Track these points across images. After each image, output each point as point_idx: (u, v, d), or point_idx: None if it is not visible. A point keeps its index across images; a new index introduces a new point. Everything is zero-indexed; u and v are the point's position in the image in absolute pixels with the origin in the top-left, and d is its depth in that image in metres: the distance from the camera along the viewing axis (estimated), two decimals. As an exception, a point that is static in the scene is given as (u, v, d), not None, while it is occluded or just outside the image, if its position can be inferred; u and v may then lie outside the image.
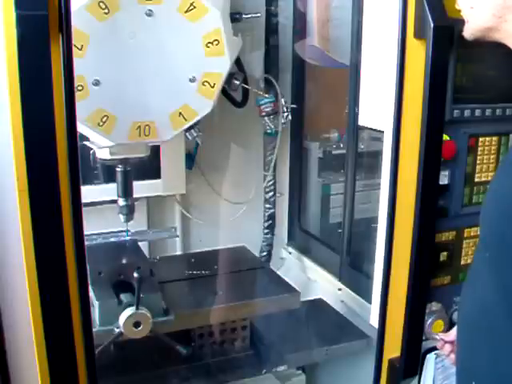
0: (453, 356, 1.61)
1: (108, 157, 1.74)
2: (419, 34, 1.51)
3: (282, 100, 2.28)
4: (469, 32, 1.36)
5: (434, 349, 1.76)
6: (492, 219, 1.24)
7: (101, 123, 1.57)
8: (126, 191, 1.85)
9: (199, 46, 1.61)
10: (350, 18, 2.03)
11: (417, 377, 1.77)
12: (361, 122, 1.81)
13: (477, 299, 1.30)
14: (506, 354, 1.20)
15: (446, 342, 1.63)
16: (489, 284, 1.24)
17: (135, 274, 1.62)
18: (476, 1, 1.31)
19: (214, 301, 1.94)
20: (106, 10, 1.49)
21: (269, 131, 2.34)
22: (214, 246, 2.36)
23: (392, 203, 1.60)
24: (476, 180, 1.72)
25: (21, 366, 1.35)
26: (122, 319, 1.61)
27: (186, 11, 1.57)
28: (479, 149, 1.70)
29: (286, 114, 2.29)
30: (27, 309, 1.30)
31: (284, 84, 2.40)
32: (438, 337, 1.68)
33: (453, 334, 1.62)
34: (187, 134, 1.80)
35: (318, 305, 2.30)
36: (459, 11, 1.38)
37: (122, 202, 1.85)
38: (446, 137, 1.62)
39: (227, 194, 2.45)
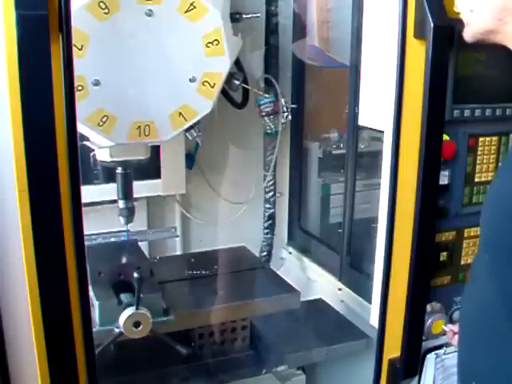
0: None
1: (108, 159, 1.74)
2: (419, 34, 1.51)
3: (282, 100, 2.28)
4: (469, 35, 1.36)
5: (434, 349, 1.77)
6: (492, 220, 1.23)
7: (101, 123, 1.57)
8: (127, 193, 1.85)
9: (199, 46, 1.61)
10: (350, 19, 2.03)
11: (417, 377, 1.77)
12: (361, 122, 1.81)
13: (477, 300, 1.31)
14: (506, 355, 1.20)
15: (455, 334, 1.62)
16: (489, 285, 1.24)
17: (135, 274, 1.62)
18: (476, 4, 1.30)
19: (214, 301, 1.94)
20: (106, 10, 1.49)
21: (269, 131, 2.34)
22: (213, 246, 2.36)
23: (392, 203, 1.60)
24: (476, 180, 1.72)
25: (21, 366, 1.35)
26: (122, 319, 1.61)
27: (186, 11, 1.57)
28: (479, 149, 1.70)
29: (285, 113, 2.29)
30: (27, 309, 1.30)
31: (284, 84, 2.40)
32: (446, 328, 1.67)
33: None
34: (187, 134, 1.80)
35: (318, 305, 2.30)
36: (458, 14, 1.38)
37: (122, 204, 1.85)
38: (445, 137, 1.62)
39: (227, 193, 2.45)
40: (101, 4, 1.48)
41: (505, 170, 1.30)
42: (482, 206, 1.32)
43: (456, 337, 1.62)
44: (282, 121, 2.30)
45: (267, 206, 2.49)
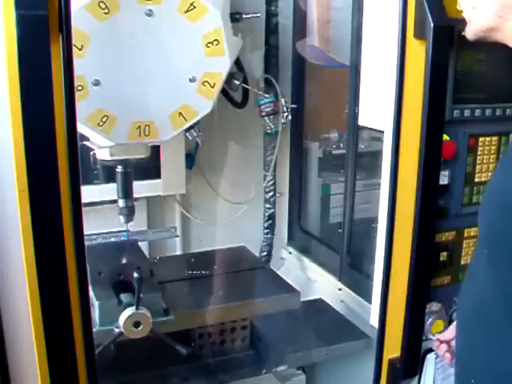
0: (448, 355, 1.62)
1: (108, 158, 1.74)
2: (419, 34, 1.51)
3: (282, 100, 2.28)
4: (471, 32, 1.36)
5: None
6: (490, 216, 1.24)
7: (101, 123, 1.57)
8: (127, 192, 1.85)
9: (199, 46, 1.61)
10: (350, 18, 2.03)
11: (417, 377, 1.77)
12: (361, 122, 1.81)
13: (476, 296, 1.31)
14: (505, 352, 1.20)
15: (441, 342, 1.64)
16: (487, 281, 1.24)
17: (135, 274, 1.62)
18: (478, 1, 1.31)
19: (214, 301, 1.94)
20: (106, 10, 1.49)
21: (269, 131, 2.34)
22: (213, 246, 2.36)
23: (392, 203, 1.60)
24: (476, 180, 1.72)
25: (21, 366, 1.35)
26: (122, 319, 1.61)
27: (186, 11, 1.57)
28: (479, 149, 1.70)
29: (285, 113, 2.29)
30: (27, 309, 1.30)
31: (284, 84, 2.40)
32: (433, 337, 1.68)
33: (448, 333, 1.63)
34: (187, 134, 1.80)
35: (318, 305, 2.30)
36: (461, 12, 1.38)
37: (122, 203, 1.85)
38: (445, 137, 1.62)
39: (227, 193, 2.45)
40: (101, 4, 1.48)
41: (502, 167, 1.30)
42: (480, 203, 1.32)
43: (442, 345, 1.63)
44: (282, 121, 2.30)
45: (267, 206, 2.49)
